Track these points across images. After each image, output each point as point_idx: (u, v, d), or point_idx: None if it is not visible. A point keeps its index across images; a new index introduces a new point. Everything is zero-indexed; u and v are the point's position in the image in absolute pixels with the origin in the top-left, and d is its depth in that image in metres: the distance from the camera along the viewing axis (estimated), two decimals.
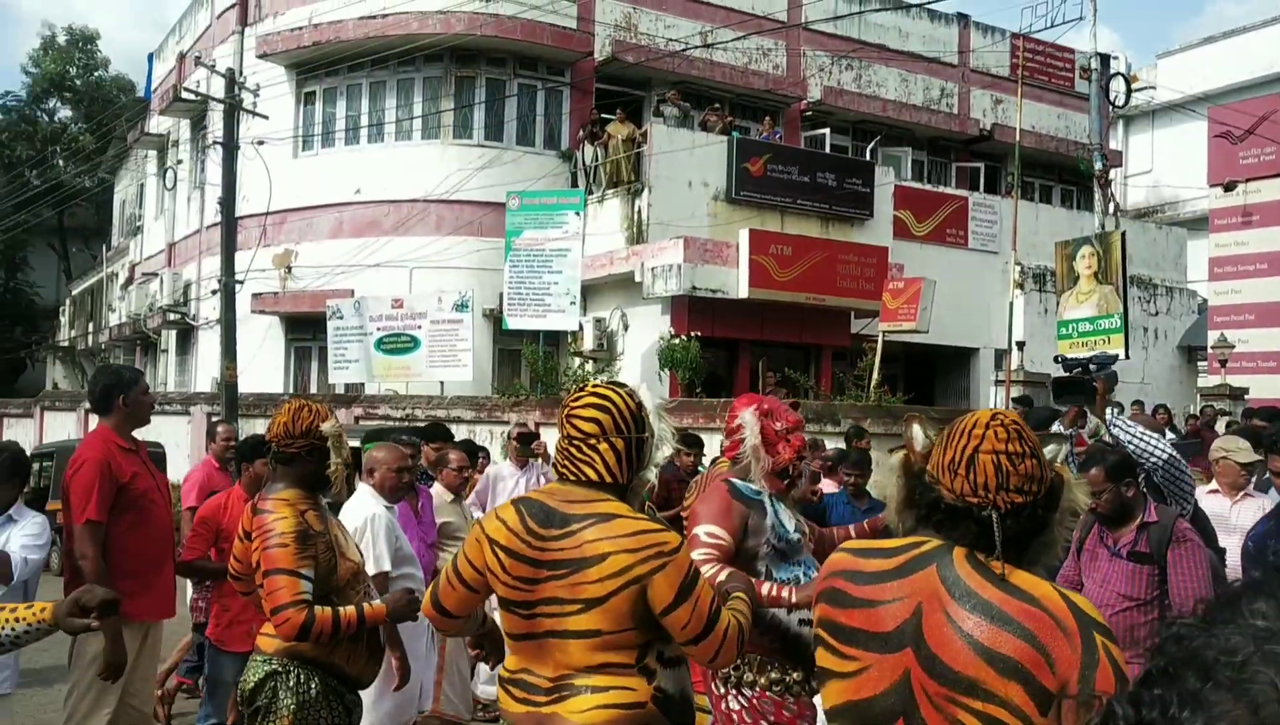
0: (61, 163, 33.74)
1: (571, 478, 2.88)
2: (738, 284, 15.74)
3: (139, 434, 5.10)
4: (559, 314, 15.95)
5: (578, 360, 16.76)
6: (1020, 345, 16.89)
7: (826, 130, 20.14)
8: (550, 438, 9.79)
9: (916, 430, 2.19)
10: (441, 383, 16.62)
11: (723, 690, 3.71)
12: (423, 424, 14.27)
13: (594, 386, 3.00)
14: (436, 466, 6.59)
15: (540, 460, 8.38)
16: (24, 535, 4.45)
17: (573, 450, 2.87)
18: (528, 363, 16.60)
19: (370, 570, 4.84)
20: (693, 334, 14.95)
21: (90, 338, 31.13)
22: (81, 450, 4.77)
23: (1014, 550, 1.99)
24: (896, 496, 2.16)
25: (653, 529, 2.79)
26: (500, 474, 8.06)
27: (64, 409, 23.11)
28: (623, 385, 3.01)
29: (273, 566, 3.58)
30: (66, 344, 33.57)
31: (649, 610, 2.70)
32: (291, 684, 3.66)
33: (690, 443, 8.26)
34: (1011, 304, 16.48)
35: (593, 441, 2.84)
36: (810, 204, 17.78)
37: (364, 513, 4.83)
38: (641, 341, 16.14)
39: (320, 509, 3.82)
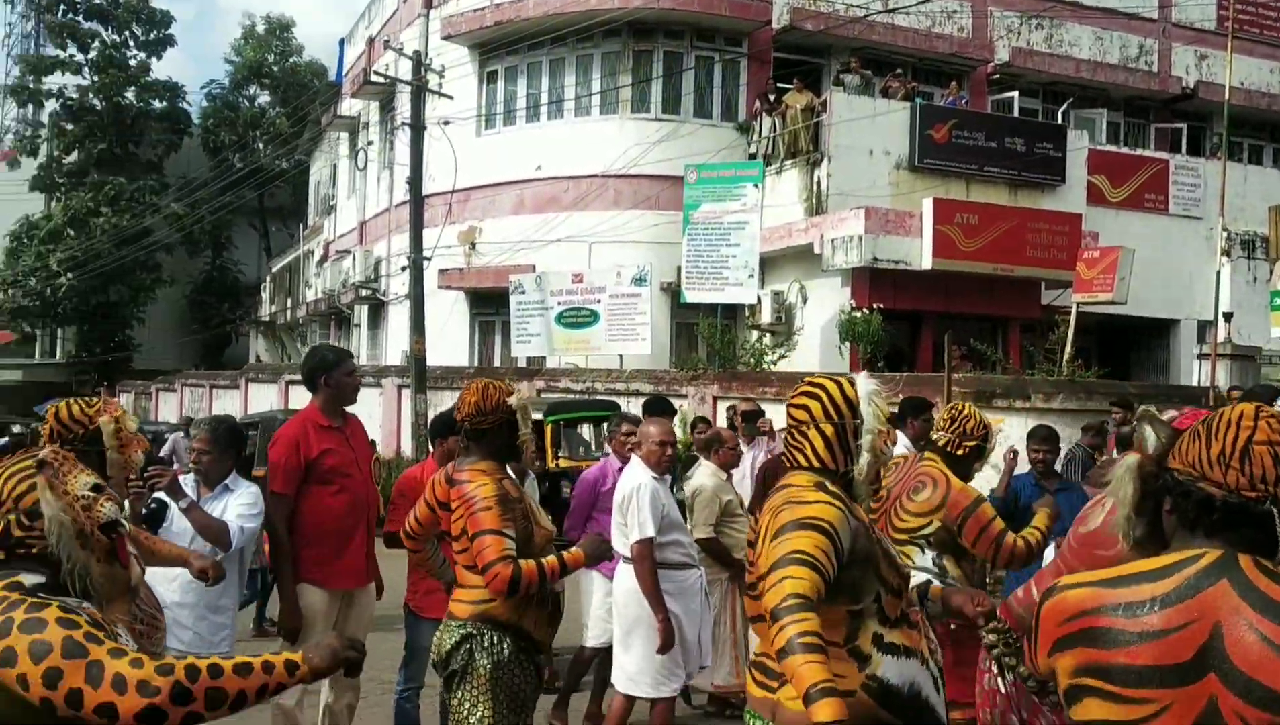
0: (261, 146, 35.56)
1: (789, 463, 2.97)
2: (921, 254, 15.31)
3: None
4: (737, 287, 15.86)
5: (755, 333, 16.66)
6: (1228, 316, 15.87)
7: (1015, 93, 19.34)
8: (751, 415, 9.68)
9: (1148, 431, 2.04)
10: (620, 356, 16.78)
11: (986, 665, 3.54)
12: (603, 397, 14.46)
13: (812, 377, 3.06)
14: (707, 448, 6.60)
15: (765, 437, 8.33)
16: (240, 504, 4.70)
17: (789, 437, 2.99)
18: (705, 336, 16.58)
19: (634, 537, 5.29)
20: (874, 306, 14.64)
21: (289, 313, 32.74)
22: (282, 428, 5.15)
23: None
24: (1129, 501, 2.01)
25: (803, 489, 2.77)
26: None
27: (266, 381, 24.40)
28: (845, 375, 3.04)
29: (480, 528, 3.76)
30: (268, 319, 35.40)
31: None
32: (485, 645, 3.84)
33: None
34: (1218, 273, 15.50)
35: (804, 428, 2.93)
36: (998, 170, 17.13)
37: (632, 482, 5.38)
38: (821, 314, 15.91)
39: (512, 479, 4.00)
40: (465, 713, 3.89)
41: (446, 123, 17.41)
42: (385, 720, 5.90)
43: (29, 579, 2.19)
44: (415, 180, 16.58)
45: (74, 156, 36.38)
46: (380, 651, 7.80)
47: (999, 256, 15.56)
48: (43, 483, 2.24)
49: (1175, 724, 1.80)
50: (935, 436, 4.76)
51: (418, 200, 16.75)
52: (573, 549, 3.93)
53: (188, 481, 4.73)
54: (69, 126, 36.16)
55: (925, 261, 15.29)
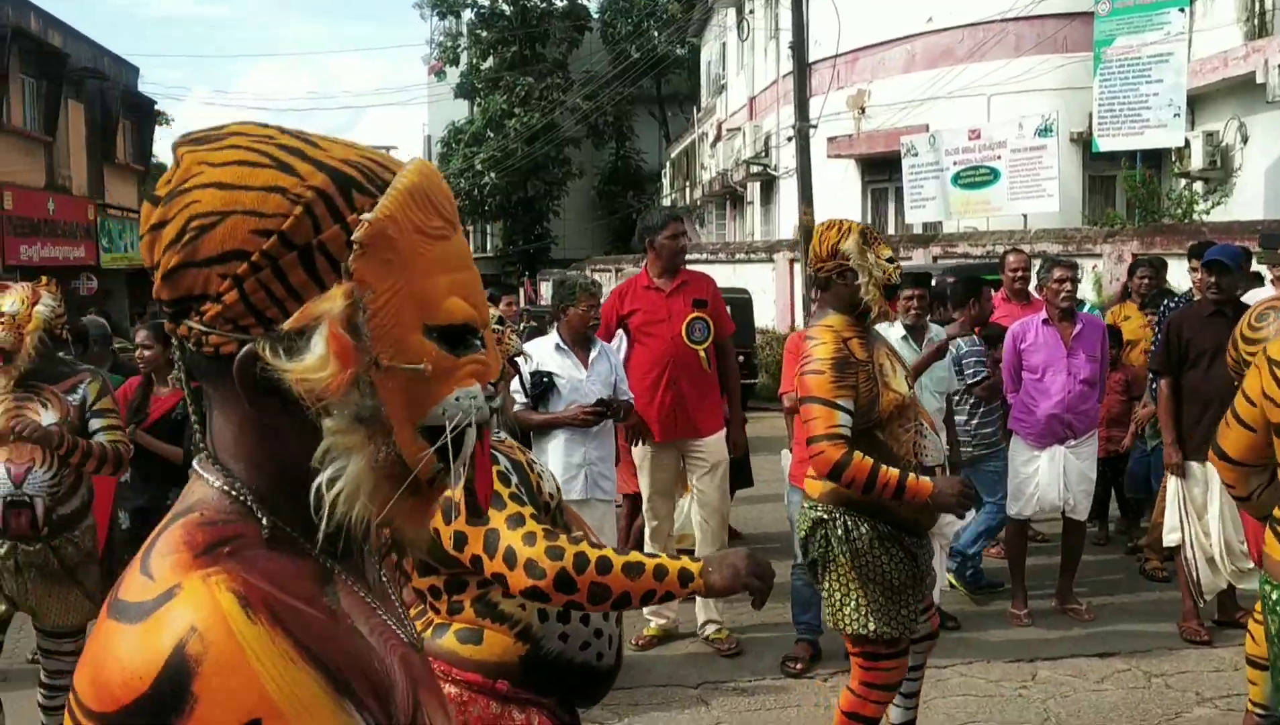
0: (656, 34, 36.19)
1: None
2: None
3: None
4: (1159, 130, 14.06)
5: (1183, 182, 14.78)
6: None
7: None
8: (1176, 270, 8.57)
9: None
10: (1024, 216, 15.53)
11: None
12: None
13: None
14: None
15: None
16: None
17: None
18: (1124, 188, 14.93)
19: None
20: None
21: (687, 195, 33.44)
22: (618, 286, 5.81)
23: None
24: None
25: None
26: None
27: None
28: None
29: (808, 393, 3.35)
30: (668, 203, 36.39)
31: None
32: (840, 532, 3.45)
33: None
34: None
35: None
36: None
37: None
38: (1265, 156, 13.78)
39: (866, 336, 3.48)
40: (838, 604, 3.50)
41: None
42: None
43: None
44: (798, 44, 15.98)
45: (489, 62, 38.85)
46: (766, 521, 7.75)
47: None
48: None
49: None
50: None
51: (800, 66, 16.17)
52: (925, 479, 3.30)
53: None
54: (483, 34, 38.58)
55: None
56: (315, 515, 0.89)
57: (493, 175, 35.89)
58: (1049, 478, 5.77)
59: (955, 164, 16.28)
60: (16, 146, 20.05)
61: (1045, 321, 5.83)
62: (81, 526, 4.08)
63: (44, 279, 4.16)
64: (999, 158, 15.65)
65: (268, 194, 0.88)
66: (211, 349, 0.90)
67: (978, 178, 15.97)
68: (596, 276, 29.63)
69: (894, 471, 3.26)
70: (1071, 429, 5.77)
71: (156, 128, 29.14)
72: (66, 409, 4.00)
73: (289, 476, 0.92)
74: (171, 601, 0.81)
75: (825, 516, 3.49)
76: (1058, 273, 5.75)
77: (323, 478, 0.88)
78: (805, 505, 3.57)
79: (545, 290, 34.97)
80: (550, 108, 35.87)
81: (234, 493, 0.94)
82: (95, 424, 4.16)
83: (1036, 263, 7.18)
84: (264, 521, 0.93)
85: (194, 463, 0.99)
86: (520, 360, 3.88)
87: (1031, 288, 6.98)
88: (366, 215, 0.88)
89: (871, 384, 3.37)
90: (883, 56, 18.54)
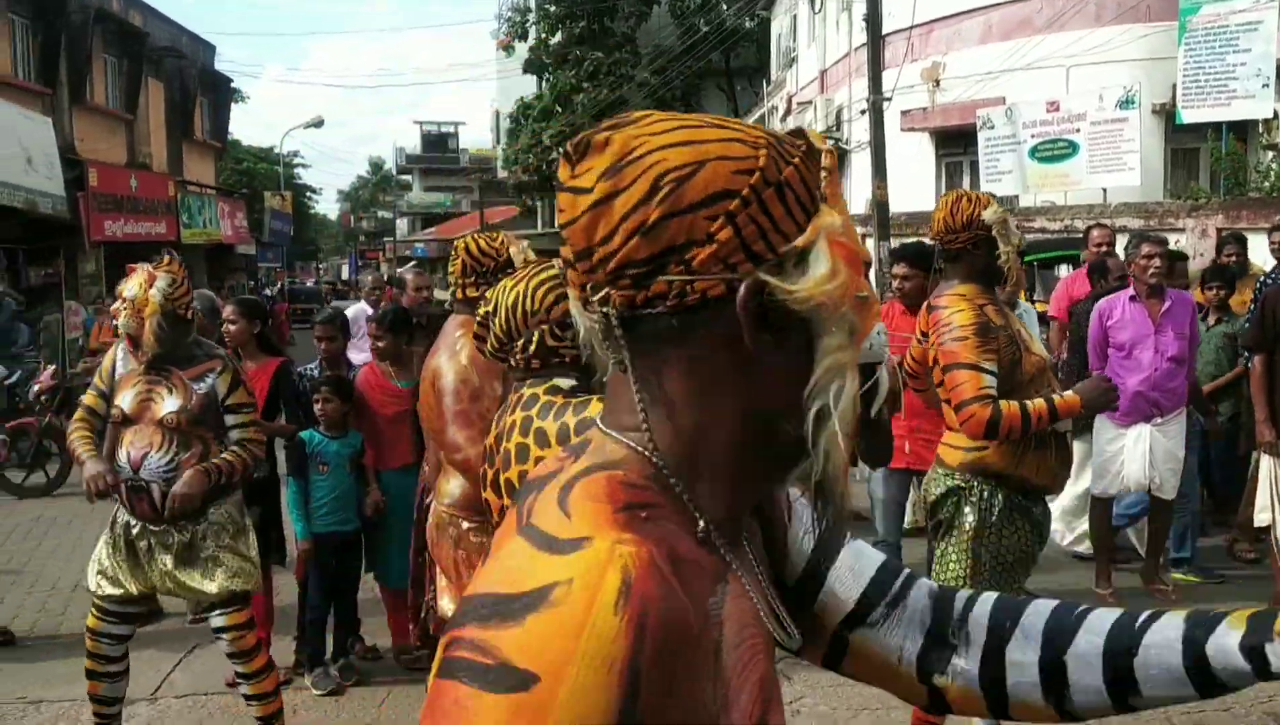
0: (725, 6, 35.96)
1: None
2: None
3: None
4: (1247, 100, 13.66)
5: (1270, 154, 14.38)
6: None
7: None
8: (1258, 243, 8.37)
9: None
10: (1104, 190, 15.23)
11: None
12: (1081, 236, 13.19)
13: None
14: None
15: None
16: None
17: None
18: (1210, 161, 14.57)
19: None
20: None
21: None
22: None
23: None
24: None
25: None
26: None
27: None
28: None
29: (952, 361, 3.38)
30: None
31: None
32: (974, 500, 3.49)
33: None
34: None
35: None
36: None
37: None
38: None
39: (999, 303, 3.57)
40: (946, 565, 3.56)
41: None
42: None
43: (564, 382, 2.28)
44: (872, 16, 15.78)
45: (558, 37, 38.88)
46: None
47: None
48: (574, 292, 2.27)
49: None
50: None
51: (874, 38, 15.97)
52: (1068, 393, 3.43)
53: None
54: (551, 8, 38.61)
55: None
56: (812, 447, 0.91)
57: (559, 151, 36.04)
58: (1135, 455, 5.70)
59: (1033, 137, 15.98)
60: (100, 124, 20.52)
61: (1132, 298, 5.72)
62: (216, 504, 4.06)
63: (165, 258, 4.08)
64: (1078, 131, 15.34)
65: (730, 143, 0.93)
66: (697, 296, 0.90)
67: (1056, 151, 15.67)
68: None
69: (1040, 401, 3.35)
70: (1158, 407, 5.67)
71: (232, 105, 29.64)
72: (190, 395, 3.99)
73: (739, 441, 0.94)
74: (578, 553, 0.81)
75: (962, 484, 3.53)
76: (1146, 249, 5.65)
77: (827, 400, 0.90)
78: (941, 472, 3.60)
79: None
80: (618, 83, 35.85)
81: (654, 460, 0.93)
82: (230, 420, 4.10)
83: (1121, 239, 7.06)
84: (680, 491, 0.93)
85: (599, 425, 0.98)
86: None
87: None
88: (823, 146, 0.95)
89: (1013, 348, 3.43)
90: (958, 28, 18.23)
